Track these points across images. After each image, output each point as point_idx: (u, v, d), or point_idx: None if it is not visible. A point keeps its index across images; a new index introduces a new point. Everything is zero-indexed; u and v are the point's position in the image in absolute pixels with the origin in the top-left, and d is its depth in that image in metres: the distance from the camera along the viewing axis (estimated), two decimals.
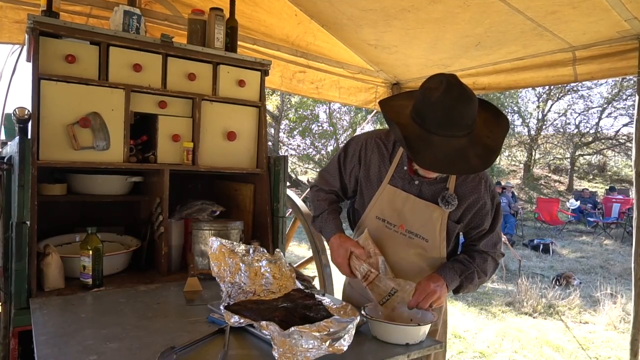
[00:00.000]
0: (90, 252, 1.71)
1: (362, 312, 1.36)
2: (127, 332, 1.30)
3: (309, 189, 1.89)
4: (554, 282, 6.52)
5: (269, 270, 1.63)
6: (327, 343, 1.13)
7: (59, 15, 1.84)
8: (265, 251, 1.67)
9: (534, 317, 5.09)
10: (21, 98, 1.89)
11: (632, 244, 2.27)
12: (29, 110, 1.73)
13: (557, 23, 2.41)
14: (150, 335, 1.29)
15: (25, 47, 2.04)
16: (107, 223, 2.29)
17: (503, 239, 1.89)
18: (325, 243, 1.76)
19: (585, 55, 2.67)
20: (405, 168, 1.54)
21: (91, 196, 2.12)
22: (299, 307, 1.40)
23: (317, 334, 1.15)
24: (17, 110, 1.76)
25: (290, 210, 2.97)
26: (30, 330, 1.33)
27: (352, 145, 1.67)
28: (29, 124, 1.74)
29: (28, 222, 1.65)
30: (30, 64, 1.76)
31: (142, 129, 2.05)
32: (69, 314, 1.45)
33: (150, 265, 2.08)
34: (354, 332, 1.17)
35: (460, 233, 1.68)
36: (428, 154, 1.29)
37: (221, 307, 1.41)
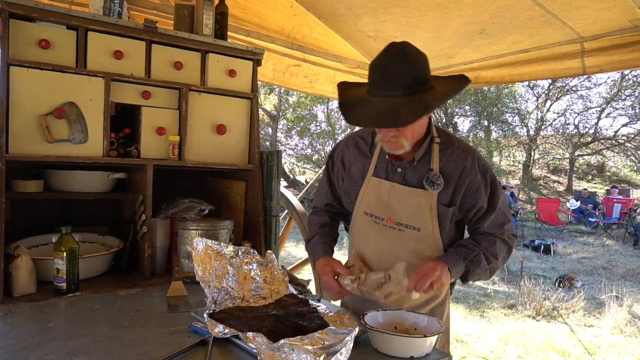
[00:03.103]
0: (65, 253, 1.56)
1: (362, 321, 1.22)
2: (98, 344, 1.16)
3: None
4: (556, 283, 6.40)
5: (259, 273, 1.49)
6: (322, 357, 0.99)
7: None
8: (256, 253, 1.53)
9: (537, 320, 4.95)
10: None
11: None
12: None
13: (567, 9, 2.28)
14: (122, 347, 1.14)
15: None
16: (89, 222, 2.15)
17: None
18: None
19: (594, 46, 2.54)
20: (387, 157, 1.47)
21: (70, 194, 1.97)
22: (291, 315, 1.26)
23: (310, 347, 1.01)
24: None
25: (286, 210, 2.83)
26: None
27: (335, 151, 1.65)
28: None
29: None
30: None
31: (124, 121, 1.91)
32: (36, 323, 1.30)
33: (133, 268, 1.94)
34: (352, 345, 1.03)
35: (465, 228, 1.56)
36: (358, 113, 1.29)
37: (205, 315, 1.27)
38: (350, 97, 1.35)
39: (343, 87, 1.43)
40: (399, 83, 1.25)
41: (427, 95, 1.26)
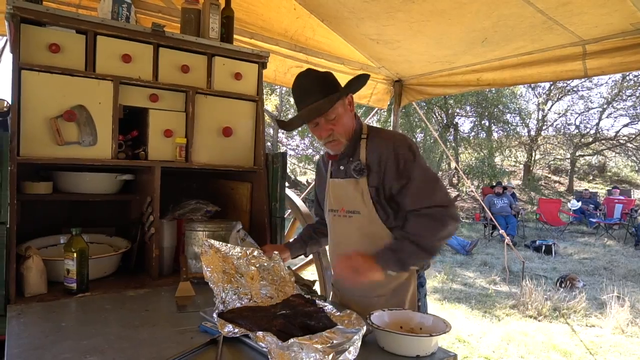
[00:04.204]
0: (75, 254, 1.59)
1: (369, 321, 1.24)
2: (110, 343, 1.18)
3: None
4: (558, 284, 6.41)
5: (266, 274, 1.51)
6: (331, 356, 1.01)
7: (42, 1, 1.73)
8: (263, 254, 1.56)
9: (539, 321, 4.97)
10: (2, 90, 1.78)
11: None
12: (8, 102, 1.62)
13: (568, 15, 2.30)
14: (134, 347, 1.17)
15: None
16: (97, 224, 2.18)
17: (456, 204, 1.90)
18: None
19: (596, 49, 2.56)
20: (328, 159, 1.74)
21: (79, 195, 2.00)
22: (299, 315, 1.29)
23: (319, 346, 1.03)
24: None
25: (290, 210, 2.85)
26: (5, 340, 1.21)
27: (316, 169, 1.95)
28: (9, 117, 1.62)
29: (7, 223, 1.53)
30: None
31: (132, 123, 1.94)
32: (49, 322, 1.33)
33: (141, 269, 1.96)
34: (359, 344, 1.06)
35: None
36: (294, 121, 1.63)
37: (214, 315, 1.30)
38: (285, 121, 1.68)
39: (279, 122, 1.76)
40: (316, 90, 1.55)
41: (338, 93, 1.57)
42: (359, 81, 1.64)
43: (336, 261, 1.64)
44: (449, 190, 1.60)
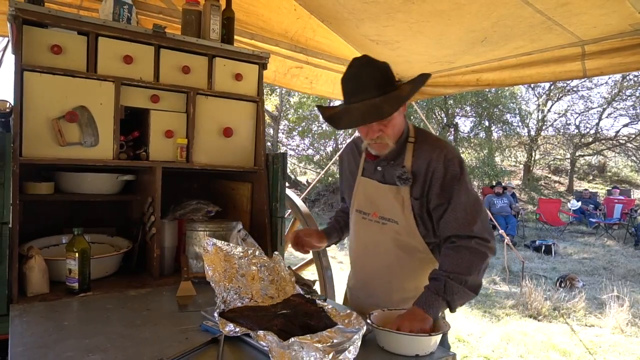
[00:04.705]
0: (77, 254, 1.60)
1: (368, 321, 1.25)
2: (112, 342, 1.20)
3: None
4: (557, 283, 6.42)
5: (267, 274, 1.52)
6: (331, 355, 1.03)
7: (44, 3, 1.74)
8: (263, 254, 1.57)
9: (538, 320, 4.98)
10: (4, 91, 1.79)
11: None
12: (10, 103, 1.63)
13: (567, 16, 2.31)
14: (137, 345, 1.18)
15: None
16: (98, 224, 2.19)
17: (499, 232, 1.72)
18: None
19: (595, 49, 2.57)
20: (366, 157, 1.62)
21: (80, 195, 2.01)
22: (300, 315, 1.30)
23: (319, 345, 1.04)
24: None
25: (290, 210, 2.86)
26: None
27: (341, 153, 1.84)
28: (11, 118, 1.63)
29: (9, 223, 1.54)
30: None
31: (133, 124, 1.95)
32: (51, 322, 1.34)
33: (142, 269, 1.97)
34: (359, 343, 1.07)
35: None
36: (344, 118, 1.43)
37: (215, 314, 1.31)
38: (331, 112, 1.50)
39: (321, 108, 1.58)
40: (372, 85, 1.39)
41: (397, 92, 1.42)
42: (421, 82, 1.48)
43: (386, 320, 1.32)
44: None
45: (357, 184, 1.64)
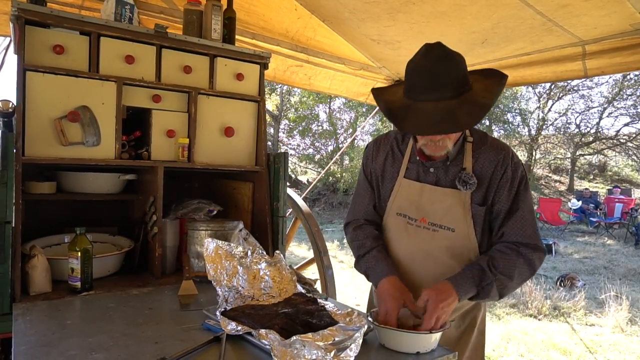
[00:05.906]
0: (79, 253, 1.61)
1: (369, 319, 1.26)
2: (115, 340, 1.20)
3: (344, 228, 1.69)
4: (558, 283, 6.43)
5: (268, 273, 1.53)
6: (332, 353, 1.03)
7: (46, 3, 1.75)
8: (265, 253, 1.57)
9: (539, 319, 4.99)
10: (7, 91, 1.80)
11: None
12: (13, 103, 1.64)
13: (568, 17, 2.31)
14: (139, 344, 1.19)
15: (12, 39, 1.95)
16: (100, 223, 2.20)
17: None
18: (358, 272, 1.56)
19: (596, 49, 2.58)
20: (418, 158, 1.45)
21: (82, 195, 2.02)
22: (301, 313, 1.30)
23: (321, 343, 1.05)
24: (0, 103, 1.66)
25: (291, 210, 2.87)
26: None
27: (367, 149, 1.62)
28: (14, 118, 1.64)
29: (12, 222, 1.55)
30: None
31: (135, 124, 1.95)
32: (54, 320, 1.35)
33: (144, 268, 1.98)
34: (361, 341, 1.08)
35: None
36: (411, 120, 1.24)
37: (217, 313, 1.32)
38: (392, 104, 1.32)
39: (378, 93, 1.40)
40: (449, 85, 1.22)
41: (472, 95, 1.24)
42: (500, 83, 1.29)
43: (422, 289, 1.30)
44: None
45: (399, 186, 1.47)
